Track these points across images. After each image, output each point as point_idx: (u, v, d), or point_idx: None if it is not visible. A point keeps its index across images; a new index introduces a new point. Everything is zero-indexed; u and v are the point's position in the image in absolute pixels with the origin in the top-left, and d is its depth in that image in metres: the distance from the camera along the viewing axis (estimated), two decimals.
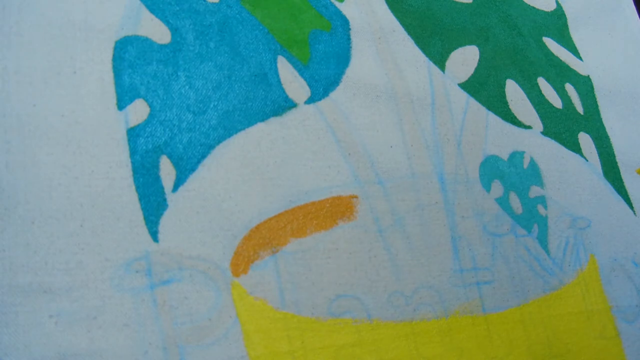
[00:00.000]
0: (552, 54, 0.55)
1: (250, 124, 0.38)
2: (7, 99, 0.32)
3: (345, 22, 0.44)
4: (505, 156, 0.49)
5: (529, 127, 0.51)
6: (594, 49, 0.58)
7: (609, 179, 0.54)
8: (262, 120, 0.39)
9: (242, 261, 0.36)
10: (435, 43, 0.48)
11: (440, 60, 0.48)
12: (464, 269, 0.43)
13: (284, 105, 0.40)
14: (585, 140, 0.54)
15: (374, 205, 0.40)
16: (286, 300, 0.36)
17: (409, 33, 0.47)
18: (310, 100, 0.41)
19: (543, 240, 0.48)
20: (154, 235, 0.34)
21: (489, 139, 0.48)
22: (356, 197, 0.39)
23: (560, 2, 0.58)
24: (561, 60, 0.56)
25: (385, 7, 0.47)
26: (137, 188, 0.34)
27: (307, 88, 0.41)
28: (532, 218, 0.48)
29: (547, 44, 0.56)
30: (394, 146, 0.43)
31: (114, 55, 0.35)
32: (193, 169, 0.36)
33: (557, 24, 0.57)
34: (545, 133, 0.51)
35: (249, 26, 0.40)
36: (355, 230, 0.40)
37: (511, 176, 0.48)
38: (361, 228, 0.40)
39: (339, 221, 0.39)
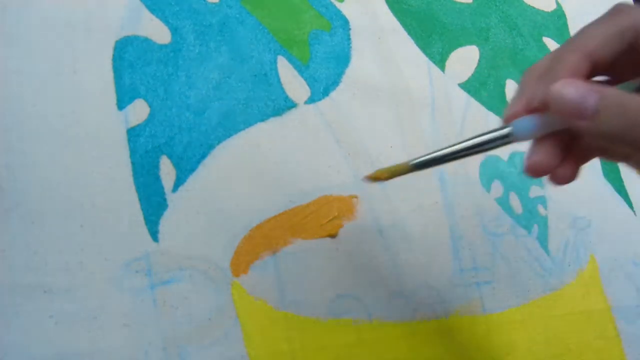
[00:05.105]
0: None
1: (250, 124, 0.38)
2: (7, 99, 0.32)
3: (345, 22, 0.44)
4: (505, 156, 0.49)
5: None
6: None
7: (609, 179, 0.54)
8: (262, 120, 0.39)
9: (242, 261, 0.36)
10: (435, 43, 0.48)
11: (440, 60, 0.48)
12: (464, 269, 0.43)
13: (284, 105, 0.40)
14: None
15: (374, 205, 0.40)
16: (286, 300, 0.36)
17: (409, 33, 0.47)
18: (310, 100, 0.41)
19: (543, 240, 0.48)
20: (154, 235, 0.34)
21: None
22: (356, 197, 0.39)
23: (560, 2, 0.58)
24: None
25: (385, 7, 0.47)
26: (137, 188, 0.34)
27: (307, 88, 0.41)
28: (532, 218, 0.48)
29: (547, 44, 0.56)
30: (393, 146, 0.43)
31: (114, 55, 0.35)
32: (193, 169, 0.36)
33: (557, 24, 0.57)
34: None
35: (249, 26, 0.40)
36: (355, 230, 0.40)
37: (511, 176, 0.48)
38: (361, 228, 0.40)
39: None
